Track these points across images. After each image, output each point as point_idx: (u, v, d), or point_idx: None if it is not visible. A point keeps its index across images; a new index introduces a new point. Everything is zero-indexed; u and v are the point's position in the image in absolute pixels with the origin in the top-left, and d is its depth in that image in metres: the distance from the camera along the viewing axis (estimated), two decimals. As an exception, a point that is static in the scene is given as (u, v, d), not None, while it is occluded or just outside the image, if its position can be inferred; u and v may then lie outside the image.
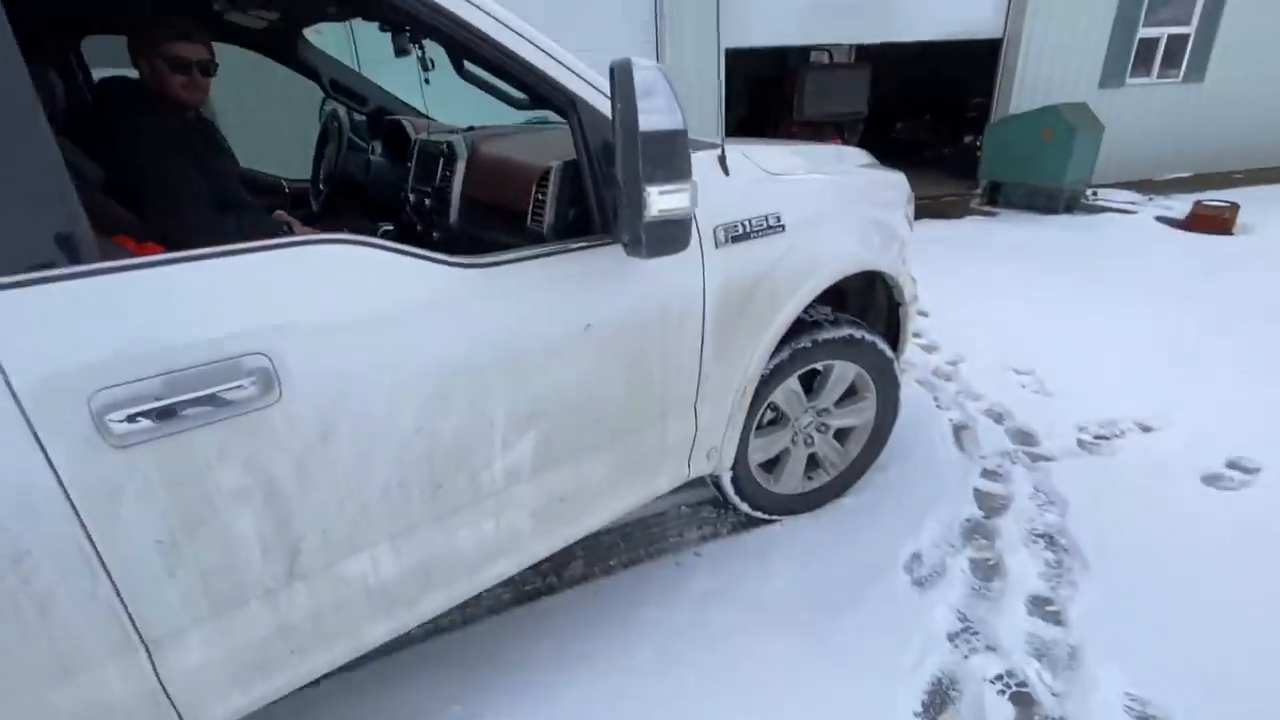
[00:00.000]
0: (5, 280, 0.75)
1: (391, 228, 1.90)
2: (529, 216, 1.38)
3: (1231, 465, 2.29)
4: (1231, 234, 5.16)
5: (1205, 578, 1.79)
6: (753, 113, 9.68)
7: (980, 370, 3.09)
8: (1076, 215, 6.13)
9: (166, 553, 0.91)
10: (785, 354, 1.80)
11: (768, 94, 8.84)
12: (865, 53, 9.67)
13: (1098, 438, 2.51)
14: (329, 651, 1.15)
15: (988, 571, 1.88)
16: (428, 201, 1.77)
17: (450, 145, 1.73)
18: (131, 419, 0.84)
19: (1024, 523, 2.07)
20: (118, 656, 0.92)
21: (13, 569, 0.80)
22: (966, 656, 1.61)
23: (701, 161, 1.45)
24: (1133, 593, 1.76)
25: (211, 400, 0.88)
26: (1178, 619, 1.66)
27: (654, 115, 0.96)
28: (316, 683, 1.60)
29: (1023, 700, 1.50)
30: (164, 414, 0.85)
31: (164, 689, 0.98)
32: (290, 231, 1.92)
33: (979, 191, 7.09)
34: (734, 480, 1.94)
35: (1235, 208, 5.22)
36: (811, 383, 1.99)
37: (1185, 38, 7.44)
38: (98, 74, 1.97)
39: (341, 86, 2.23)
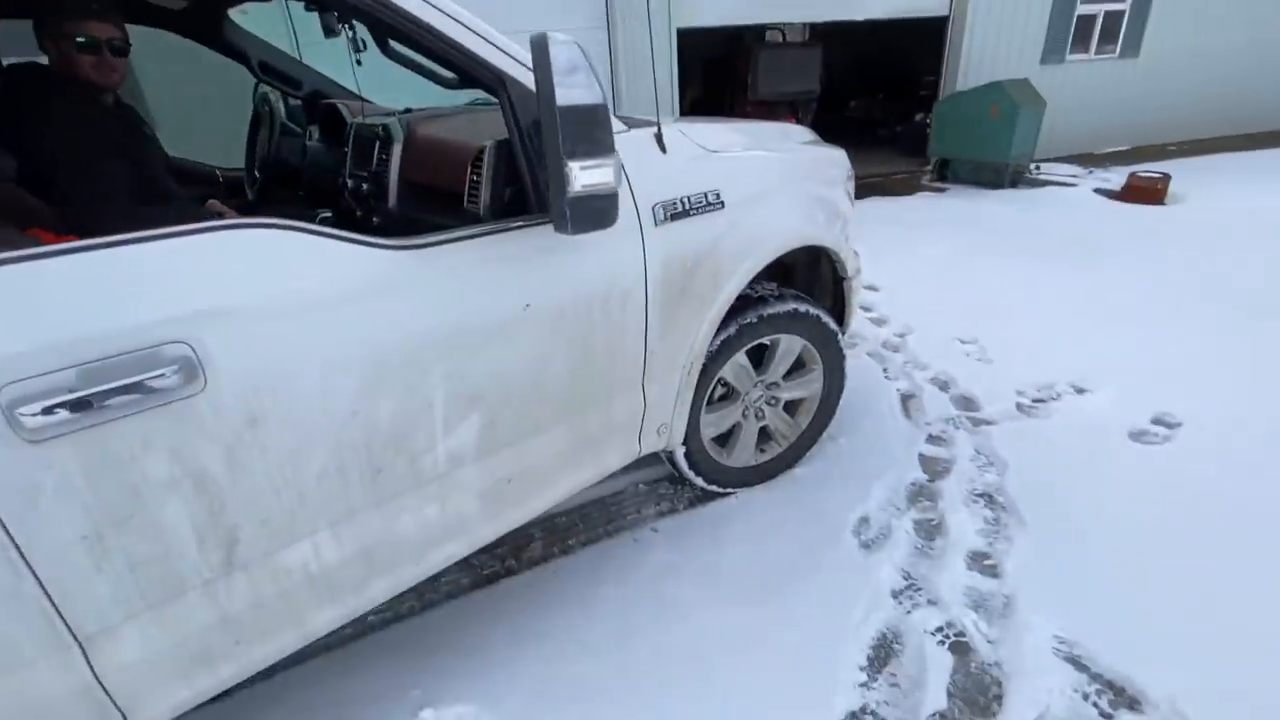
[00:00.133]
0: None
1: (330, 214, 1.86)
2: (465, 197, 1.37)
3: (1156, 421, 2.42)
4: (1164, 204, 5.40)
5: (1129, 526, 1.90)
6: (708, 93, 9.68)
7: (927, 341, 3.19)
8: (1021, 189, 6.33)
9: (93, 547, 0.90)
10: (732, 329, 1.83)
11: (722, 74, 8.85)
12: (818, 32, 9.75)
13: (1035, 401, 2.62)
14: (275, 641, 1.14)
15: (930, 531, 1.97)
16: (365, 186, 1.74)
17: (386, 128, 1.69)
18: (47, 412, 0.82)
19: (965, 484, 2.16)
20: (49, 654, 0.90)
21: (-75, 570, 0.78)
22: (909, 612, 1.69)
23: (638, 139, 1.46)
24: (1063, 544, 1.86)
25: (131, 390, 0.86)
26: (1103, 565, 1.76)
27: (572, 90, 0.96)
28: (272, 674, 1.61)
29: (961, 649, 1.58)
30: (79, 406, 0.83)
31: (101, 685, 0.97)
32: (224, 221, 1.87)
33: (929, 168, 7.25)
34: (687, 456, 1.97)
35: (1167, 178, 5.45)
36: (760, 357, 2.03)
37: (1121, 14, 7.69)
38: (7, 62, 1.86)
39: (272, 69, 2.16)
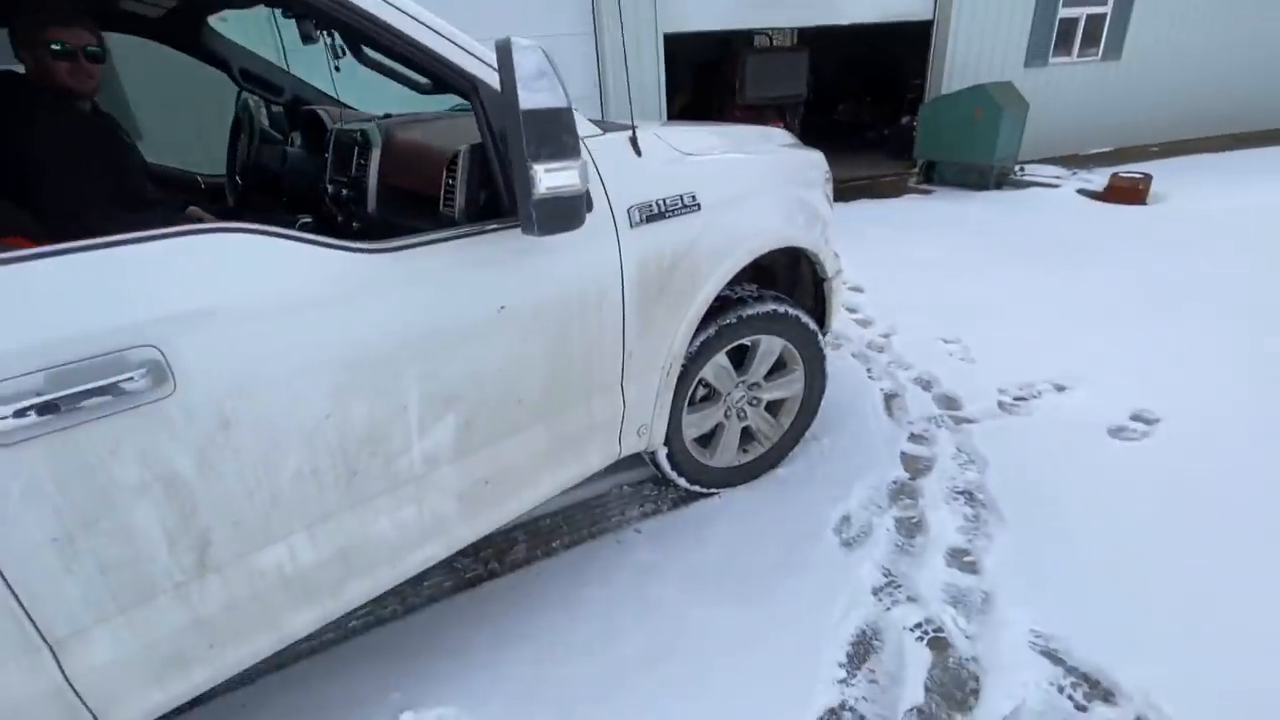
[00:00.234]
0: None
1: (310, 219, 1.87)
2: (441, 201, 1.38)
3: (1135, 418, 2.45)
4: (1145, 203, 5.46)
5: (1107, 521, 1.92)
6: (698, 98, 9.74)
7: (911, 341, 3.21)
8: (1006, 190, 6.39)
9: (63, 550, 0.90)
10: (712, 330, 1.85)
11: (711, 79, 8.90)
12: (806, 37, 9.84)
13: (1016, 399, 2.65)
14: (250, 644, 1.14)
15: (911, 529, 1.98)
16: (345, 191, 1.75)
17: (365, 134, 1.70)
18: (18, 415, 0.82)
19: (946, 482, 2.18)
20: (18, 656, 0.90)
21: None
22: (889, 608, 1.70)
23: (613, 143, 1.48)
24: (1042, 540, 1.88)
25: (99, 394, 0.87)
26: (1081, 560, 1.78)
27: (536, 94, 0.97)
28: (253, 679, 1.61)
29: (939, 645, 1.59)
30: (48, 409, 0.84)
31: (72, 688, 0.96)
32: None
33: (915, 170, 7.31)
34: (670, 456, 1.99)
35: (1148, 179, 5.52)
36: (741, 358, 2.04)
37: (1103, 17, 7.79)
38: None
39: (253, 76, 2.17)
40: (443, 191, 1.38)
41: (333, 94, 2.38)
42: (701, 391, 2.02)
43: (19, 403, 0.82)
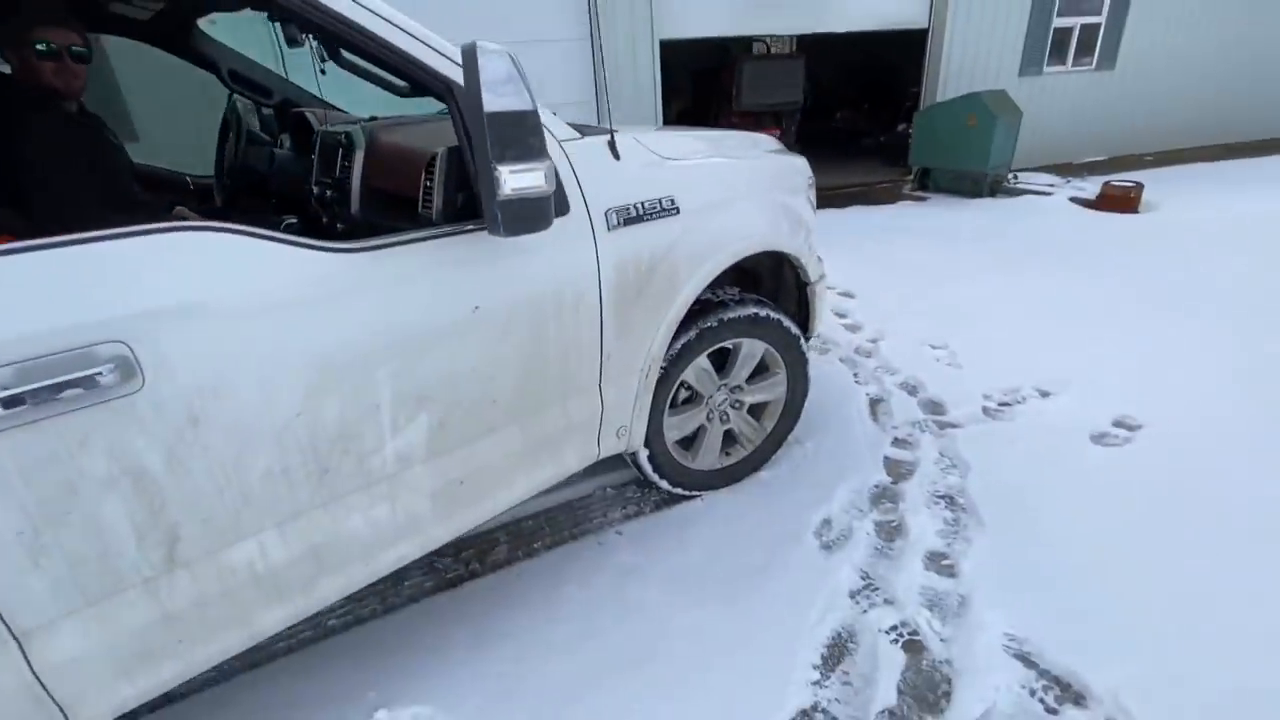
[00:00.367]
0: None
1: (294, 220, 1.88)
2: (420, 203, 1.40)
3: (1117, 424, 2.47)
4: (1137, 212, 5.49)
5: (1085, 526, 1.93)
6: (696, 104, 9.80)
7: (899, 346, 3.23)
8: (999, 198, 6.42)
9: (29, 543, 0.91)
10: (692, 333, 1.86)
11: (709, 85, 8.96)
12: (805, 44, 9.90)
13: (1001, 404, 2.66)
14: (220, 640, 1.15)
15: (891, 532, 1.99)
16: (329, 193, 1.76)
17: (349, 136, 1.72)
18: (-17, 409, 0.83)
19: (927, 486, 2.19)
20: (-16, 650, 0.91)
21: None
22: (865, 611, 1.71)
23: (592, 146, 1.50)
24: (1020, 544, 1.89)
25: (67, 388, 0.88)
26: (1058, 565, 1.79)
27: (501, 97, 0.99)
28: (230, 676, 1.61)
29: (913, 647, 1.60)
30: (14, 402, 0.85)
31: (40, 682, 0.97)
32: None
33: (910, 178, 7.35)
34: (651, 458, 1.99)
35: (1140, 187, 5.55)
36: (723, 361, 2.06)
37: (1097, 27, 7.84)
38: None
39: (242, 78, 2.19)
40: (421, 193, 1.39)
41: (324, 97, 2.40)
42: (683, 394, 2.03)
43: (-13, 397, 0.83)
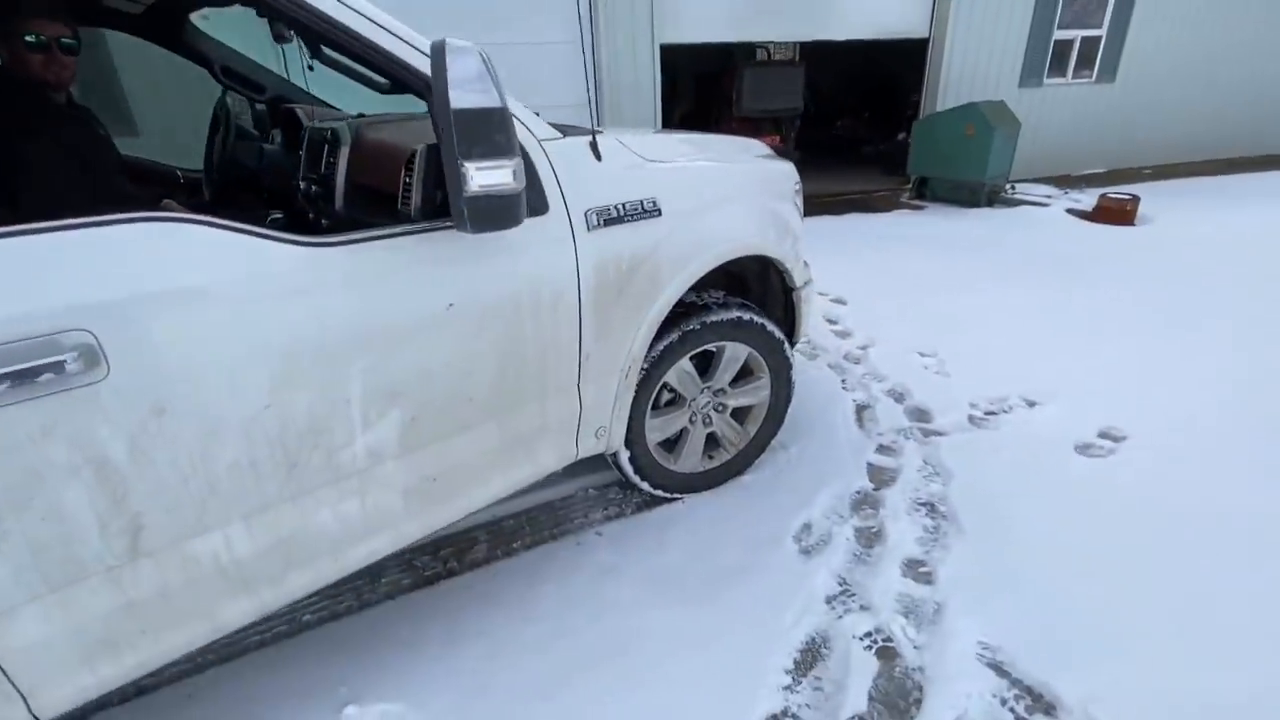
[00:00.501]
0: None
1: (281, 215, 1.89)
2: (399, 199, 1.40)
3: (1103, 435, 2.47)
4: (1133, 224, 5.50)
5: (1063, 536, 1.93)
6: (697, 108, 9.83)
7: (888, 354, 3.23)
8: (996, 208, 6.43)
9: (-10, 529, 0.91)
10: (675, 335, 1.86)
11: (710, 90, 8.99)
12: (808, 51, 9.94)
13: (987, 413, 2.66)
14: (185, 631, 1.15)
15: (870, 539, 1.99)
16: (314, 188, 1.77)
17: (335, 132, 1.72)
18: (-54, 395, 0.84)
19: (909, 493, 2.19)
20: (-58, 636, 0.91)
21: None
22: (840, 617, 1.71)
23: (573, 147, 1.50)
24: (998, 553, 1.88)
25: (31, 375, 0.88)
26: (1035, 574, 1.79)
27: (469, 94, 1.00)
28: (202, 669, 1.61)
29: (886, 654, 1.60)
30: (-26, 389, 0.85)
31: (0, 666, 0.97)
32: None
33: (908, 186, 7.36)
34: (632, 460, 2.00)
35: (1136, 200, 5.56)
36: (707, 364, 2.06)
37: (1098, 40, 7.87)
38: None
39: (233, 74, 2.20)
40: (401, 189, 1.40)
41: (319, 95, 2.41)
42: (666, 396, 2.04)
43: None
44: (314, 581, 1.30)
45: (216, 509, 1.10)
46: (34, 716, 1.03)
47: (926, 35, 7.35)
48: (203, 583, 1.14)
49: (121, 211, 0.97)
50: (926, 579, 1.82)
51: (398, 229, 1.21)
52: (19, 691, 1.00)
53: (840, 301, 3.98)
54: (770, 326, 2.05)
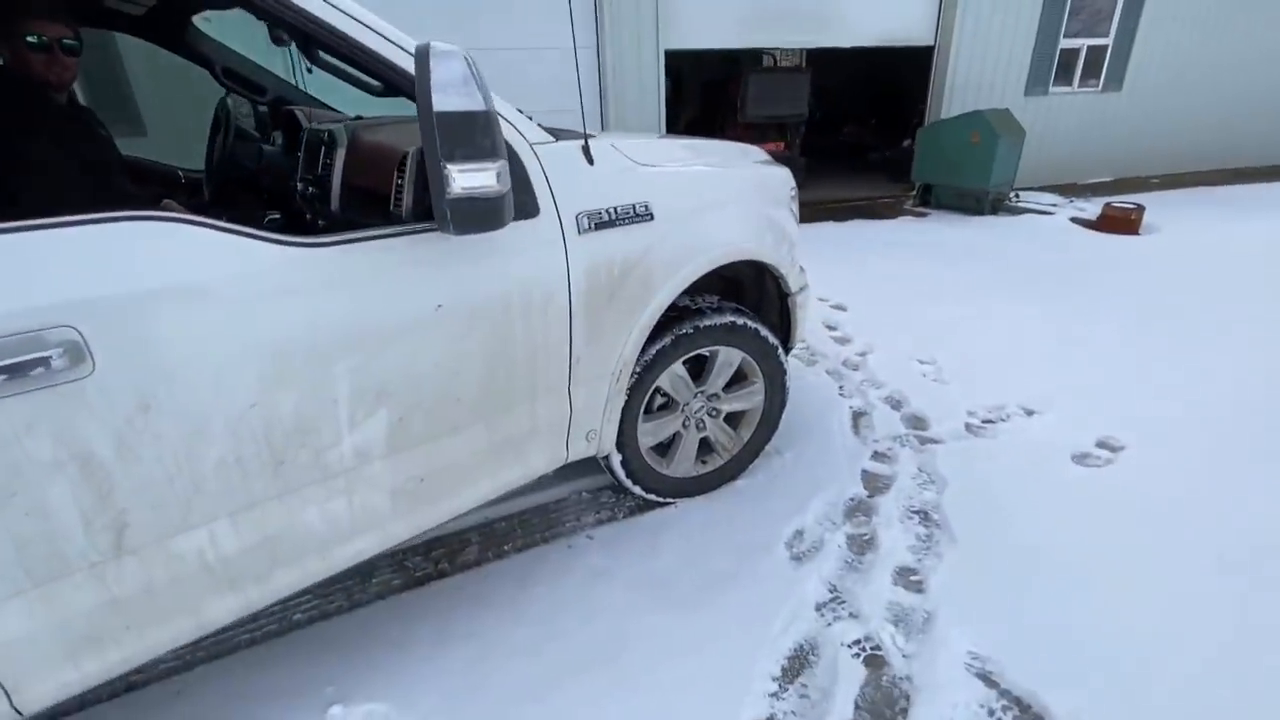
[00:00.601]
0: None
1: (278, 216, 1.90)
2: (391, 201, 1.41)
3: (1101, 444, 2.45)
4: (1137, 233, 5.48)
5: (1057, 546, 1.92)
6: (703, 114, 9.84)
7: (886, 360, 3.22)
8: (1000, 216, 6.41)
9: (-27, 524, 0.92)
10: (667, 340, 1.86)
11: (717, 96, 9.00)
12: (814, 58, 9.96)
13: (985, 421, 2.65)
14: (169, 628, 1.16)
15: (862, 546, 1.98)
16: (310, 189, 1.78)
17: (331, 134, 1.74)
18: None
19: (903, 501, 2.18)
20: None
21: None
22: (830, 624, 1.70)
23: (565, 150, 1.51)
24: (991, 562, 1.87)
25: (15, 371, 0.89)
26: (1027, 584, 1.78)
27: (452, 97, 1.01)
28: (191, 666, 1.62)
29: (875, 662, 1.59)
30: (-41, 385, 0.86)
31: (-19, 662, 0.98)
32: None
33: (913, 193, 7.35)
34: (625, 464, 2.00)
35: (1141, 209, 5.53)
36: (701, 369, 2.06)
37: (1104, 49, 7.85)
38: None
39: (235, 75, 2.22)
40: (393, 191, 1.41)
41: (320, 97, 2.43)
42: (659, 400, 2.04)
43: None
44: (301, 580, 1.30)
45: (202, 506, 1.11)
46: (16, 711, 1.04)
47: (932, 43, 7.35)
48: (188, 580, 1.14)
49: (121, 211, 0.99)
50: (917, 587, 1.81)
51: (386, 230, 1.22)
52: (1, 686, 1.01)
53: (840, 308, 3.98)
54: (764, 332, 2.05)
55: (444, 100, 1.00)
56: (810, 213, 6.62)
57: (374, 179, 1.58)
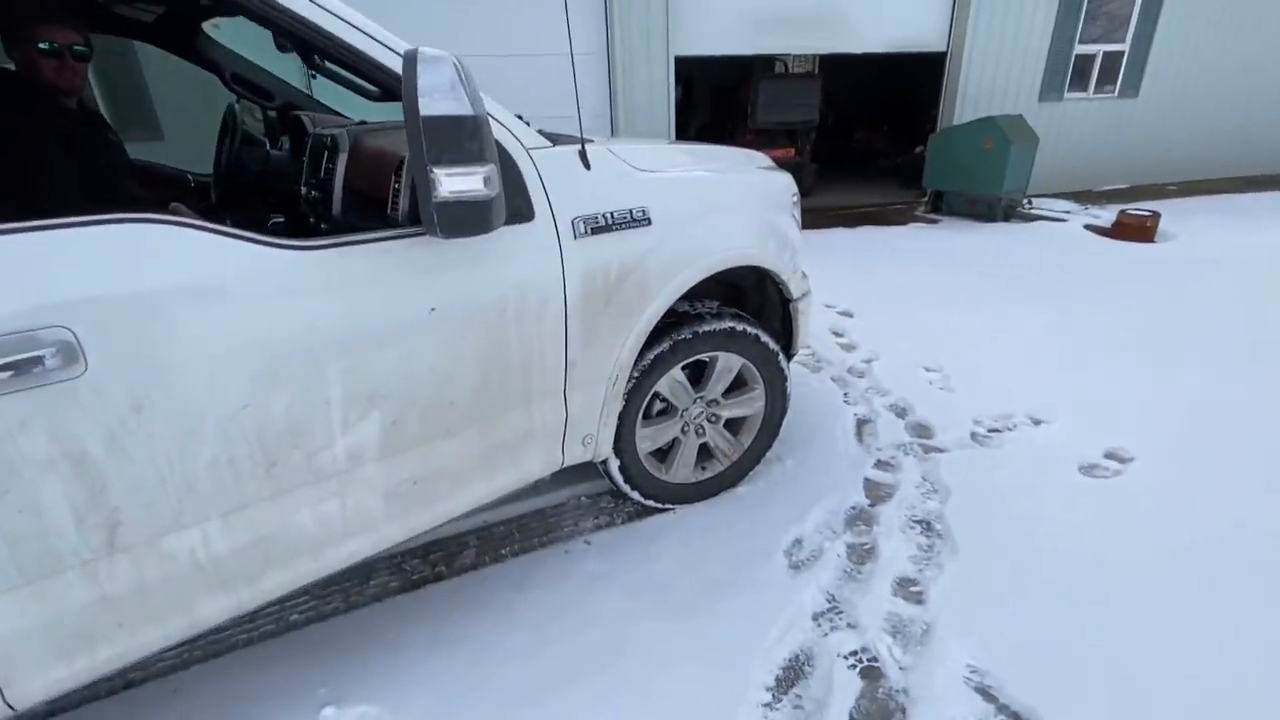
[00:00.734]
0: None
1: (282, 219, 1.92)
2: (389, 205, 1.42)
3: (1109, 456, 2.41)
4: (1153, 241, 5.40)
5: (1062, 559, 1.88)
6: (714, 120, 9.87)
7: (892, 368, 3.19)
8: (1013, 223, 6.35)
9: (-35, 520, 0.93)
10: (665, 345, 1.86)
11: (727, 102, 9.03)
12: (826, 64, 9.95)
13: (991, 430, 2.62)
14: (161, 627, 1.16)
15: (862, 555, 1.96)
16: (313, 193, 1.80)
17: (334, 138, 1.76)
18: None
19: (905, 510, 2.15)
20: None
21: None
22: (826, 634, 1.68)
23: (561, 155, 1.51)
24: (993, 574, 1.84)
25: (8, 370, 0.90)
26: (1029, 597, 1.75)
27: (440, 102, 1.01)
28: (188, 665, 1.63)
29: (871, 674, 1.56)
30: (-45, 383, 0.87)
31: (-27, 658, 0.99)
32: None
33: (924, 200, 7.30)
34: (623, 469, 1.99)
35: (1156, 216, 5.45)
36: (701, 374, 2.05)
37: (1120, 55, 7.77)
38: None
39: (243, 81, 2.25)
40: (390, 195, 1.42)
41: (327, 102, 2.46)
42: (658, 406, 2.03)
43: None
44: (293, 581, 1.31)
45: (195, 506, 1.12)
46: (9, 706, 1.05)
47: (945, 49, 7.31)
48: (180, 579, 1.15)
49: (121, 213, 1.00)
50: (917, 598, 1.79)
51: (382, 233, 1.23)
52: (-8, 681, 1.02)
53: (847, 314, 3.95)
54: (765, 338, 2.04)
55: (431, 105, 1.00)
56: (820, 219, 6.61)
57: (374, 183, 1.59)
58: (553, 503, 2.23)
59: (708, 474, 2.19)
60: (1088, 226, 5.90)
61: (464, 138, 1.04)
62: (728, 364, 2.03)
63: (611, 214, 1.56)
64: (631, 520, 2.15)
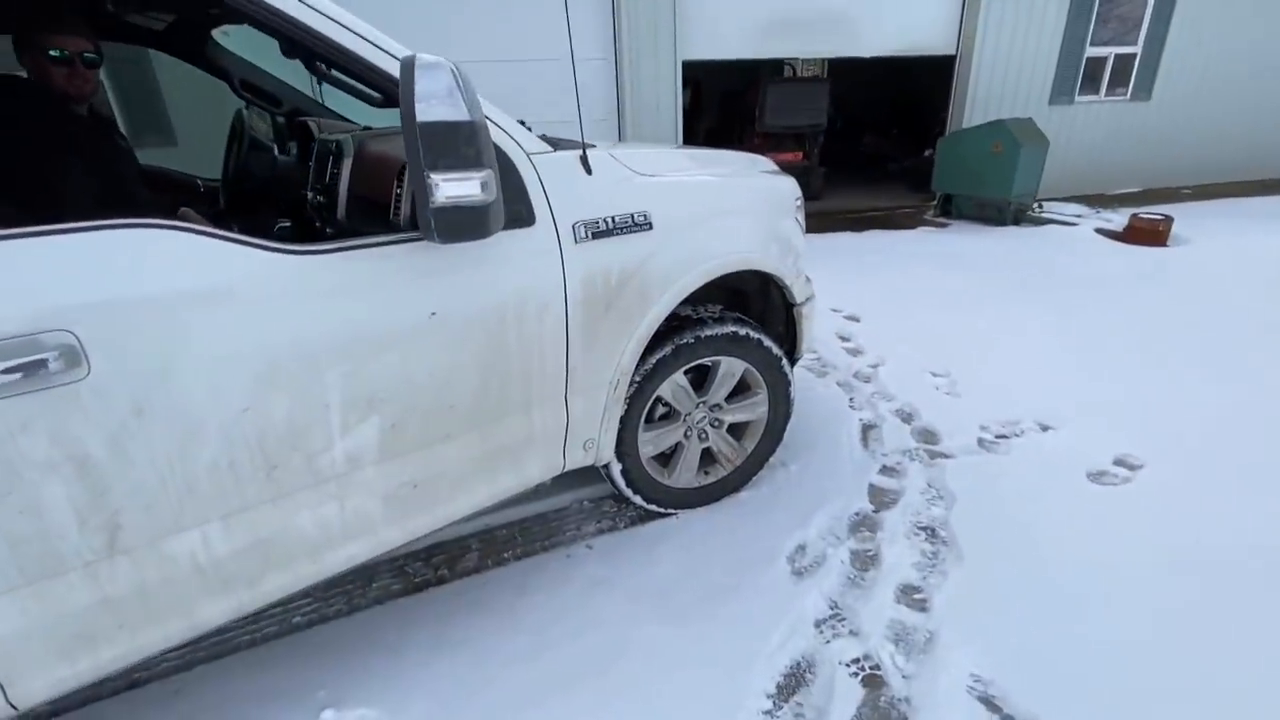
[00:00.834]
0: None
1: (289, 224, 1.94)
2: (391, 209, 1.43)
3: (1118, 462, 2.38)
4: (1165, 245, 5.33)
5: (1068, 566, 1.86)
6: (722, 124, 9.87)
7: (898, 372, 3.17)
8: (1023, 227, 6.30)
9: (-31, 522, 0.94)
10: (668, 349, 1.86)
11: (735, 106, 9.03)
12: (835, 68, 9.94)
13: (998, 437, 2.59)
14: (161, 628, 1.17)
15: (865, 562, 1.94)
16: (320, 198, 1.81)
17: (339, 144, 1.77)
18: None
19: (910, 516, 2.13)
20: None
21: None
22: (828, 641, 1.67)
23: (562, 160, 1.52)
24: (998, 582, 1.82)
25: (11, 373, 0.91)
26: (1034, 605, 1.73)
27: (437, 107, 1.02)
28: (190, 666, 1.64)
29: (873, 682, 1.55)
30: (-44, 386, 0.89)
31: (-24, 657, 1.00)
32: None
33: (933, 203, 7.26)
34: (625, 473, 1.99)
35: (1169, 220, 5.39)
36: (704, 379, 2.05)
37: (1132, 57, 7.70)
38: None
39: (251, 87, 2.28)
40: (393, 200, 1.43)
41: (335, 109, 2.48)
42: (661, 410, 2.03)
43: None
44: (293, 583, 1.32)
45: (195, 508, 1.13)
46: (11, 705, 1.06)
47: (954, 52, 7.27)
48: (180, 581, 1.16)
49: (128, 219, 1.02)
50: (921, 606, 1.77)
51: (382, 238, 1.24)
52: (-5, 680, 1.03)
53: (854, 319, 3.93)
54: (768, 342, 2.03)
55: (428, 110, 1.01)
56: (828, 223, 6.59)
57: (377, 188, 1.60)
58: (555, 507, 2.23)
59: (710, 479, 2.18)
60: (1099, 230, 5.84)
61: (461, 143, 1.05)
62: (730, 368, 2.02)
63: (612, 218, 1.56)
64: (633, 525, 2.14)
